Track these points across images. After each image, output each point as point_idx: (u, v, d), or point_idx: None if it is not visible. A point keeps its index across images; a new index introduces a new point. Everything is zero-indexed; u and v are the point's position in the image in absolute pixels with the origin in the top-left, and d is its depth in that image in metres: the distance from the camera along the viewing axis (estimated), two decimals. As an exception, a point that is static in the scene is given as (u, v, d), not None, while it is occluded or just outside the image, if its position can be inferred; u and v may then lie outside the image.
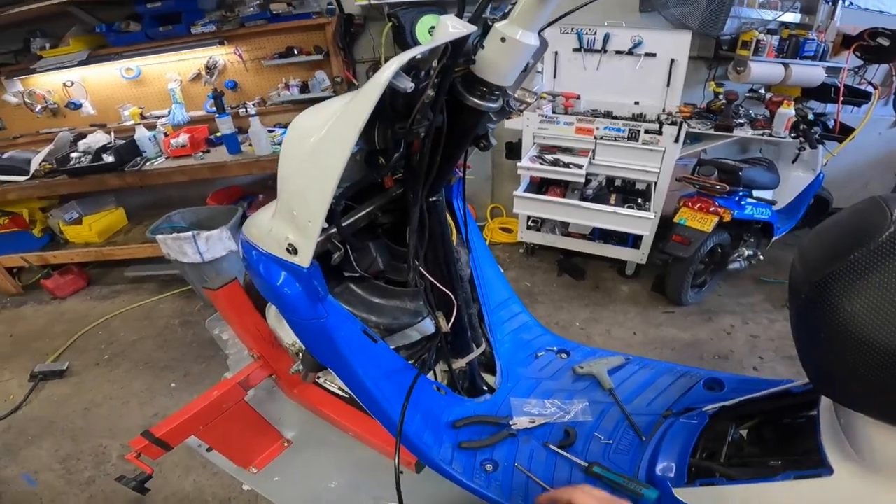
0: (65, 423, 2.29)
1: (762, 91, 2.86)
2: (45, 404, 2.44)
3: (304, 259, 0.88)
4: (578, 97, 2.83)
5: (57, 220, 3.34)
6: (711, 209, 2.52)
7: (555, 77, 2.99)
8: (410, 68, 0.74)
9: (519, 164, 2.78)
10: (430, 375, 1.42)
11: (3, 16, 2.81)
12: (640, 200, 2.79)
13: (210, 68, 3.25)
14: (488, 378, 1.54)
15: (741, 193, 2.58)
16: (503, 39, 0.74)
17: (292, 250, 0.88)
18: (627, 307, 2.81)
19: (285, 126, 3.15)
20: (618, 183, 2.97)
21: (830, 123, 2.73)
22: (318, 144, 0.79)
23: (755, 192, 2.64)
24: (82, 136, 3.29)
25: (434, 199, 1.11)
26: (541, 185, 3.00)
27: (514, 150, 3.03)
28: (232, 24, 3.05)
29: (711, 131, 2.65)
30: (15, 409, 2.41)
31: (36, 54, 3.20)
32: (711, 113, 2.77)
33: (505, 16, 0.79)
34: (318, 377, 1.70)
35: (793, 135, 2.57)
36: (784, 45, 2.67)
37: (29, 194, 3.11)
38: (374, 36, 3.12)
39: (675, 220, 2.57)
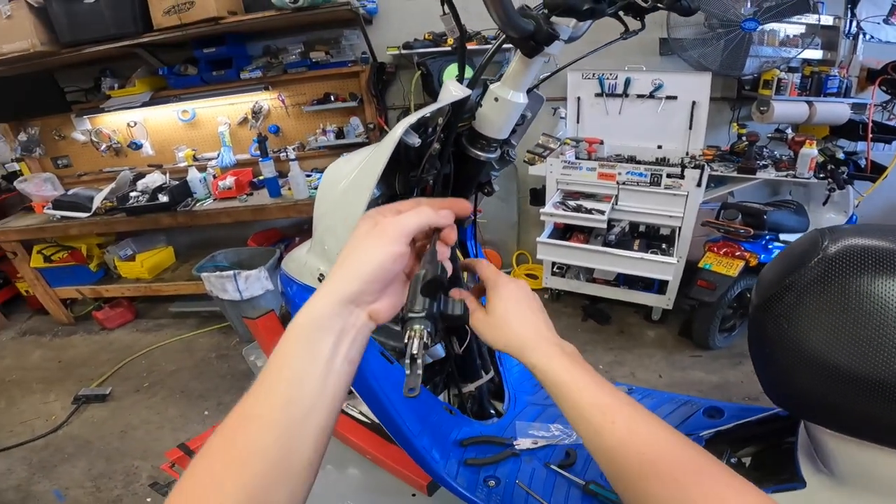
0: (101, 444, 2.44)
1: (788, 131, 2.84)
2: (84, 425, 2.60)
3: None
4: (602, 142, 2.89)
5: (112, 256, 3.59)
6: (737, 254, 2.51)
7: (578, 122, 3.06)
8: (420, 125, 0.86)
9: (542, 210, 2.81)
10: (442, 397, 1.51)
11: (78, 54, 3.01)
12: (664, 246, 2.79)
13: (256, 113, 3.46)
14: (497, 404, 1.62)
15: (768, 237, 2.55)
16: (496, 99, 0.84)
17: (322, 279, 0.99)
18: (653, 351, 2.78)
19: (321, 171, 3.30)
20: (641, 228, 2.96)
21: (862, 162, 2.66)
22: (346, 188, 0.92)
23: (783, 236, 2.60)
24: (141, 175, 3.50)
25: None
26: (565, 231, 3.04)
27: (538, 197, 3.07)
28: (276, 70, 3.26)
29: (734, 174, 2.65)
30: (55, 428, 2.59)
31: (105, 93, 3.42)
32: (735, 155, 2.77)
33: (500, 78, 0.90)
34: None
35: (820, 175, 2.53)
36: (807, 82, 2.67)
37: (89, 230, 3.36)
38: (405, 83, 3.30)
39: (700, 265, 2.55)
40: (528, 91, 0.91)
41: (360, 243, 0.51)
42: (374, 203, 0.89)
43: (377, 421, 1.28)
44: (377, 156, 0.83)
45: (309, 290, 1.05)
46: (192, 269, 3.05)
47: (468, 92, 0.87)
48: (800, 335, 0.79)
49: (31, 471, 2.34)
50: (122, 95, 3.37)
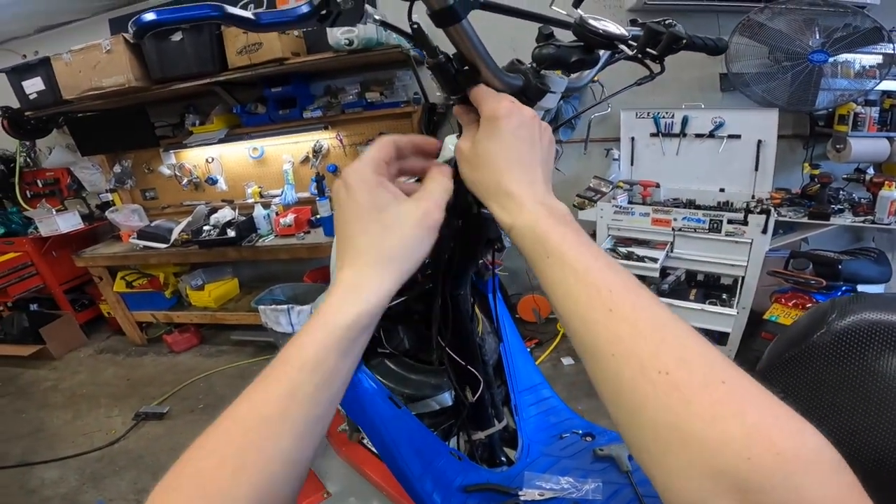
0: (151, 459, 2.58)
1: (869, 171, 2.59)
2: (139, 441, 2.77)
3: None
4: (658, 185, 2.76)
5: (185, 285, 3.85)
6: (808, 306, 2.30)
7: (632, 164, 2.93)
8: None
9: None
10: (453, 443, 1.50)
11: (166, 90, 3.24)
12: (724, 296, 2.60)
13: (316, 152, 3.61)
14: (511, 452, 1.58)
15: (843, 288, 2.33)
16: None
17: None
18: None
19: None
20: (699, 277, 2.78)
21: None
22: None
23: (861, 287, 2.36)
24: (214, 210, 3.72)
25: (459, 292, 1.22)
26: (616, 279, 2.91)
27: None
28: (335, 110, 3.38)
29: (805, 219, 2.45)
30: (112, 442, 2.77)
31: (188, 129, 3.66)
32: (807, 198, 2.56)
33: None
34: (363, 438, 1.83)
35: (903, 221, 2.29)
36: (886, 116, 2.46)
37: (167, 260, 3.63)
38: (454, 124, 3.35)
39: (765, 316, 2.36)
40: None
41: (410, 235, 0.47)
42: None
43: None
44: None
45: None
46: (251, 302, 3.21)
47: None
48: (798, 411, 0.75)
49: (82, 481, 2.50)
50: (202, 132, 3.60)
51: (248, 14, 0.45)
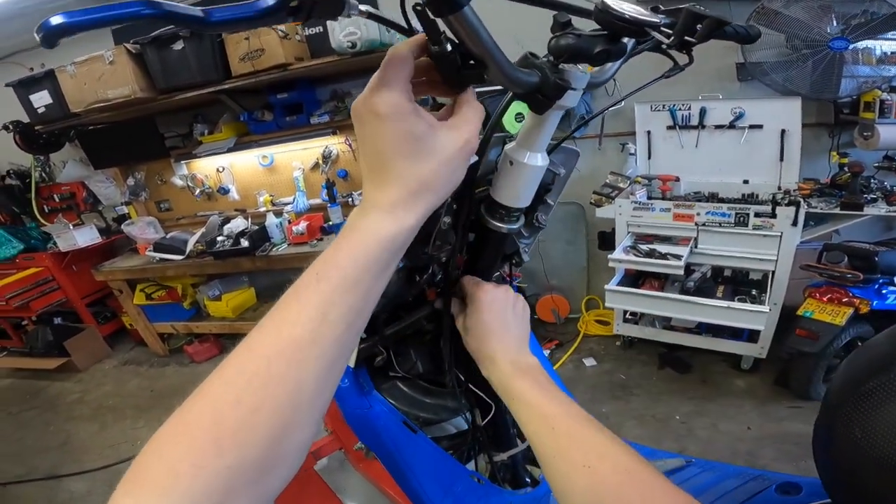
0: None
1: (901, 158, 2.47)
2: None
3: (351, 361, 1.00)
4: (677, 179, 2.67)
5: (203, 296, 3.86)
6: (844, 300, 2.21)
7: (649, 158, 2.85)
8: None
9: (610, 256, 2.61)
10: (472, 465, 1.45)
11: (172, 100, 3.21)
12: (754, 292, 2.51)
13: (326, 157, 3.55)
14: (535, 471, 1.54)
15: (881, 281, 2.23)
16: (511, 163, 0.75)
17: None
18: (742, 401, 2.51)
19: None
20: (727, 273, 2.68)
21: None
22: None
23: (899, 279, 2.25)
24: (227, 220, 3.72)
25: None
26: (637, 277, 2.81)
27: (606, 241, 2.87)
28: (342, 114, 3.29)
29: (837, 210, 2.33)
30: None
31: (197, 139, 3.64)
32: (837, 188, 2.44)
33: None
34: None
35: (941, 210, 2.17)
36: None
37: (183, 272, 3.63)
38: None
39: (799, 312, 2.28)
40: (555, 148, 0.82)
41: (449, 162, 0.47)
42: (395, 277, 0.85)
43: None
44: None
45: None
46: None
47: (475, 158, 0.79)
48: (874, 452, 0.67)
49: (111, 493, 2.51)
50: (211, 141, 3.57)
51: (195, 11, 0.37)
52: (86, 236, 3.88)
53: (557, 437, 0.53)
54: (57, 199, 4.28)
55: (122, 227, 3.86)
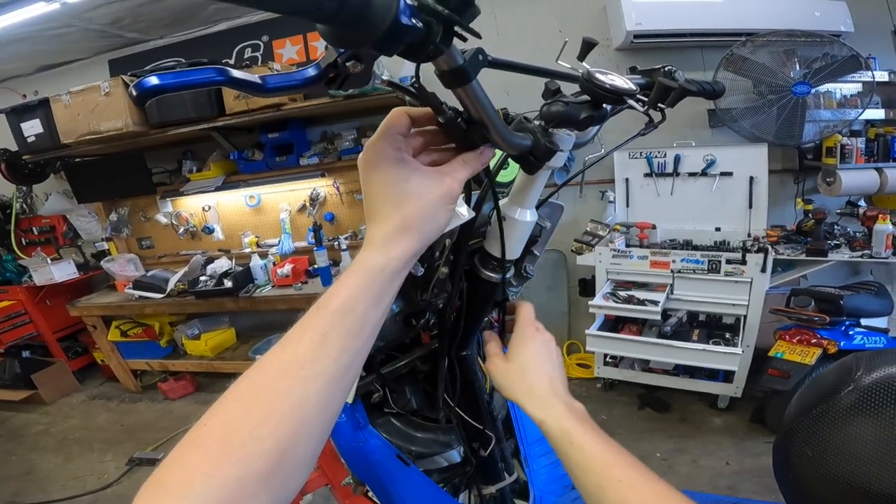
0: None
1: (861, 203, 2.61)
2: (133, 486, 2.64)
3: (350, 396, 1.03)
4: (654, 227, 2.77)
5: (181, 335, 3.79)
6: (813, 341, 2.30)
7: (627, 206, 2.96)
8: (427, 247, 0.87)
9: (590, 302, 2.67)
10: (463, 497, 1.47)
11: (164, 135, 3.18)
12: (727, 335, 2.59)
13: (313, 200, 3.56)
14: None
15: (847, 323, 2.33)
16: (504, 218, 0.80)
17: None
18: (720, 438, 2.56)
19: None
20: (701, 318, 2.76)
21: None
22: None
23: (865, 321, 2.37)
24: (211, 260, 3.66)
25: (465, 353, 1.20)
26: (617, 322, 2.87)
27: (587, 287, 2.94)
28: (332, 156, 3.33)
29: (803, 257, 2.45)
30: (104, 486, 2.71)
31: (185, 176, 3.62)
32: (803, 235, 2.56)
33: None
34: (367, 491, 1.79)
35: (902, 253, 2.28)
36: (873, 146, 2.46)
37: (163, 310, 3.59)
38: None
39: (771, 353, 2.36)
40: (543, 203, 0.89)
41: (430, 205, 0.51)
42: (391, 320, 0.92)
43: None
44: None
45: None
46: (248, 351, 3.16)
47: (472, 215, 0.85)
48: (826, 468, 0.77)
49: None
50: (199, 178, 3.58)
51: (254, 78, 0.43)
52: (63, 271, 3.83)
53: (623, 488, 0.53)
54: (36, 232, 4.22)
55: (102, 263, 3.81)
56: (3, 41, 3.18)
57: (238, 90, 0.44)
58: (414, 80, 0.50)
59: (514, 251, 0.89)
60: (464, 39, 0.44)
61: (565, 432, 0.59)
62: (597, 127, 0.75)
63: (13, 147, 3.61)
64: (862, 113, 2.47)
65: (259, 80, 0.44)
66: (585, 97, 0.62)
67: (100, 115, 3.08)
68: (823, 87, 2.46)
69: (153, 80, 0.40)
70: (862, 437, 0.73)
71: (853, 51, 2.36)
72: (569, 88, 0.65)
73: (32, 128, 3.35)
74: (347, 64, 0.43)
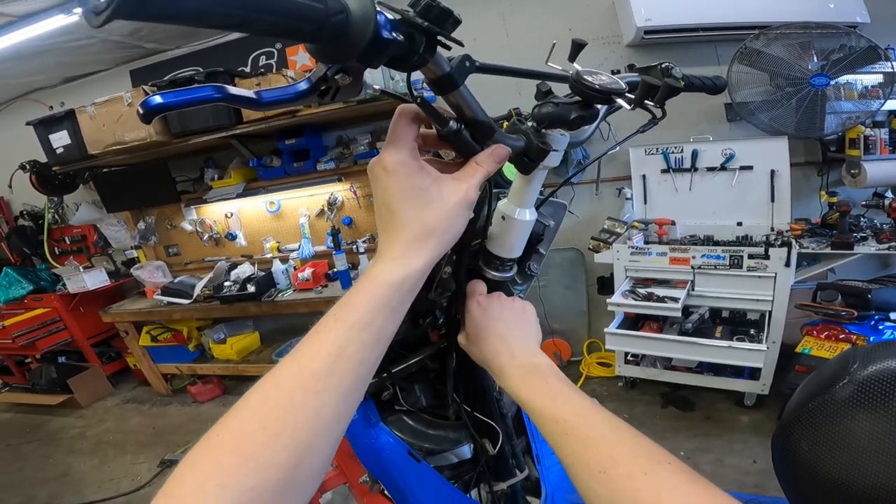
0: None
1: (888, 194, 2.52)
2: None
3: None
4: (673, 223, 2.73)
5: (208, 339, 3.89)
6: (841, 337, 2.25)
7: (645, 203, 2.91)
8: None
9: (609, 300, 2.63)
10: (474, 494, 1.48)
11: (186, 144, 3.27)
12: (752, 331, 2.52)
13: (331, 204, 3.60)
14: (534, 501, 1.55)
15: (876, 317, 2.26)
16: (503, 217, 0.82)
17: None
18: (747, 436, 2.51)
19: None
20: (724, 314, 2.70)
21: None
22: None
23: (893, 315, 2.28)
24: (234, 265, 3.77)
25: None
26: (637, 320, 2.83)
27: (606, 285, 2.91)
28: (347, 161, 3.37)
29: (828, 250, 2.39)
30: (138, 488, 2.80)
31: (208, 184, 3.70)
32: (828, 228, 2.50)
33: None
34: (384, 490, 1.81)
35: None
36: None
37: (190, 315, 3.69)
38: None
39: (798, 350, 2.31)
40: (544, 202, 0.89)
41: (450, 212, 0.51)
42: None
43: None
44: None
45: None
46: (272, 354, 3.23)
47: (472, 214, 0.87)
48: (821, 463, 0.77)
49: None
50: (221, 186, 3.65)
51: (249, 93, 0.46)
52: (95, 279, 3.94)
53: (571, 443, 0.51)
54: (68, 242, 4.39)
55: (132, 270, 3.92)
56: (27, 53, 3.25)
57: (236, 106, 0.46)
58: (408, 94, 0.54)
59: (515, 249, 0.90)
60: (448, 48, 0.46)
61: (518, 398, 0.61)
62: (592, 126, 0.75)
63: (42, 158, 3.72)
64: (884, 104, 2.39)
65: (254, 96, 0.46)
66: (577, 98, 0.63)
67: (124, 126, 3.17)
68: (843, 79, 2.39)
69: (157, 100, 0.43)
70: (856, 431, 0.72)
71: (871, 42, 2.30)
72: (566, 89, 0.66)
73: (60, 139, 3.44)
74: (336, 77, 0.45)
